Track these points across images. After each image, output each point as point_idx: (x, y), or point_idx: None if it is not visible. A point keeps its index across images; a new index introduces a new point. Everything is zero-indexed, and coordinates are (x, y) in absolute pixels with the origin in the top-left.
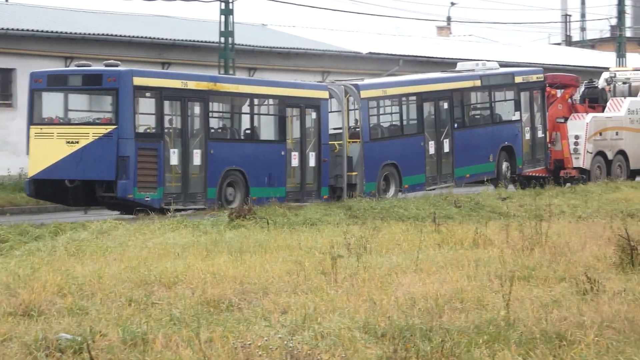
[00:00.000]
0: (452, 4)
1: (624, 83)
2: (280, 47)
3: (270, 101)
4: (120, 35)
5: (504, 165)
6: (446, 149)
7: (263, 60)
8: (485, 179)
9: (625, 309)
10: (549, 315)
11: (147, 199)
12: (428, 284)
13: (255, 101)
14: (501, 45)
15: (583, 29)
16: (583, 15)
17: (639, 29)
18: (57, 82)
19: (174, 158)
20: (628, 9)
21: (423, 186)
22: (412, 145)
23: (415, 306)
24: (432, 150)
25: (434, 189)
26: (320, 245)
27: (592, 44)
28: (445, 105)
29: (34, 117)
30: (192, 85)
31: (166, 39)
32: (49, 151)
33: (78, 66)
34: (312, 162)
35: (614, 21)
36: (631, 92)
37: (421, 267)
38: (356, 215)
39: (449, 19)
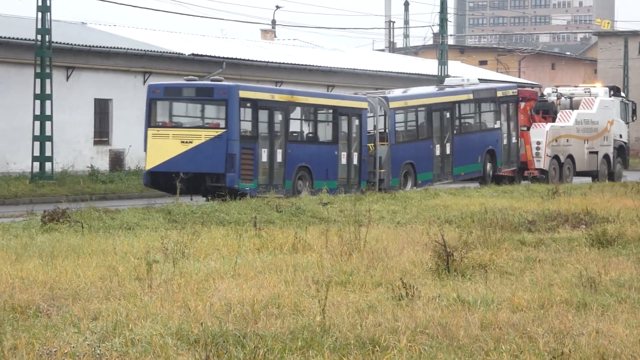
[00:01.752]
0: (277, 7)
1: (568, 98)
2: (100, 47)
3: (328, 110)
4: None
5: (488, 165)
6: (447, 151)
7: (82, 60)
8: (474, 177)
9: (439, 314)
10: (364, 321)
11: (247, 188)
12: (245, 290)
13: (318, 110)
14: (326, 50)
15: (406, 36)
16: (406, 22)
17: (461, 36)
18: (172, 93)
19: (264, 156)
20: (450, 17)
21: (431, 182)
22: (424, 148)
23: (231, 312)
24: (437, 152)
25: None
26: (136, 250)
27: (416, 51)
28: (448, 115)
29: (151, 121)
30: (277, 97)
31: None
32: (165, 149)
33: (187, 80)
34: (355, 160)
35: (436, 29)
36: (572, 106)
37: (239, 273)
38: (176, 219)
39: (274, 22)
